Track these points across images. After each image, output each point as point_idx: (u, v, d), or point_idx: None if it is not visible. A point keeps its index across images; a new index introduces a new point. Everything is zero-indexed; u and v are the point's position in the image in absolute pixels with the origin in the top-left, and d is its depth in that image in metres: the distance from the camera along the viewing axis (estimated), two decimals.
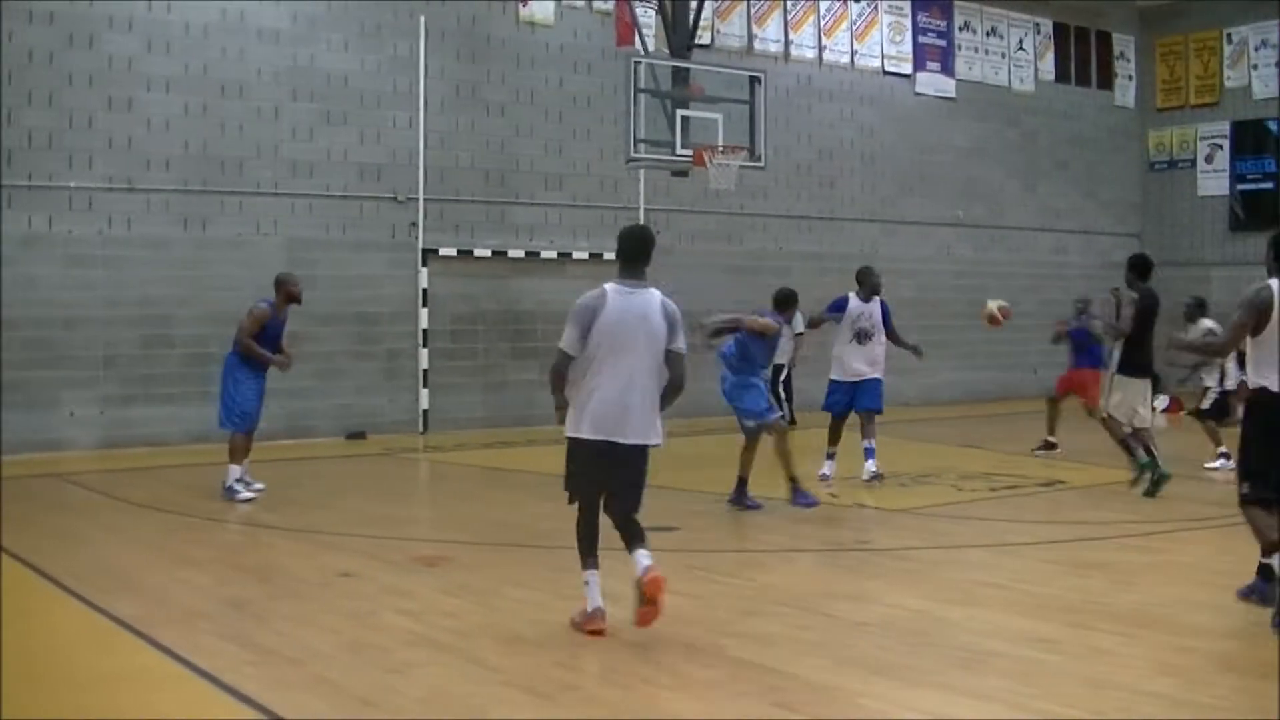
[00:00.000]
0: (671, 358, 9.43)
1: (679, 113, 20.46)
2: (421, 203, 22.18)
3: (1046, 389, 30.20)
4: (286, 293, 15.42)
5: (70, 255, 19.41)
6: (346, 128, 21.57)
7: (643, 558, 9.20)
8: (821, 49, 27.34)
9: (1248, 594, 9.99)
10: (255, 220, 20.77)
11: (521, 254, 23.10)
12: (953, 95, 29.67)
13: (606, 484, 9.51)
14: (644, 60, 21.03)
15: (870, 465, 16.56)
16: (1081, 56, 32.51)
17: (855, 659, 8.45)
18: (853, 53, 27.86)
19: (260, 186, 20.82)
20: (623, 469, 9.43)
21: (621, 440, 9.33)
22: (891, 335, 17.07)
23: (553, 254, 23.40)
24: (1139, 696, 7.67)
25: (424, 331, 22.04)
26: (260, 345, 15.11)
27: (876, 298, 16.98)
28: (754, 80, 21.54)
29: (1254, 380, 9.73)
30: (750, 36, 26.16)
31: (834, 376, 17.13)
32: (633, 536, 9.40)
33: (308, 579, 10.93)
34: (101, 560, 11.80)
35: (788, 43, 26.76)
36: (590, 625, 9.12)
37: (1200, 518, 13.99)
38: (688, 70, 21.16)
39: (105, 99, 19.68)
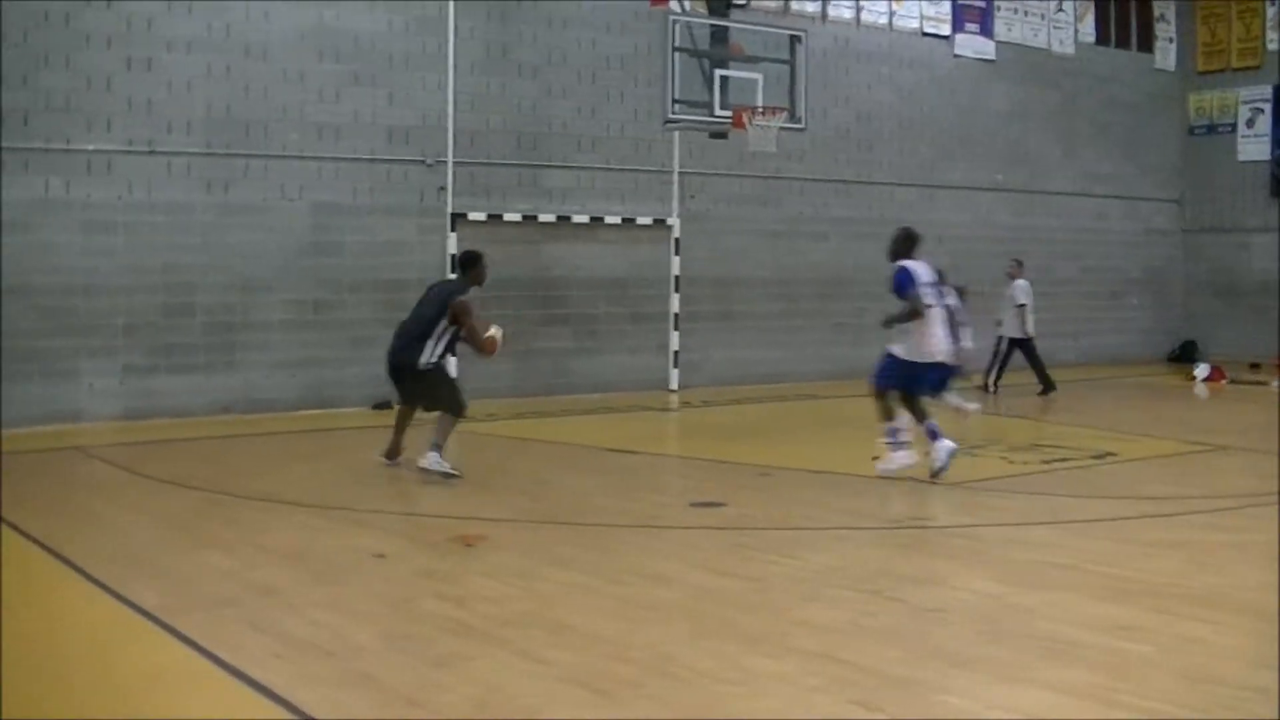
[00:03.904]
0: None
1: (717, 73, 19.99)
2: (451, 166, 21.60)
3: (1087, 356, 30.03)
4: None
5: (88, 221, 18.84)
6: (374, 89, 20.96)
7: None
8: (859, 10, 26.73)
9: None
10: (280, 185, 20.22)
11: (553, 218, 22.54)
12: (992, 57, 29.02)
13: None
14: (681, 19, 20.48)
15: None
16: (1122, 19, 31.85)
17: (932, 650, 7.88)
18: (891, 14, 27.23)
19: (285, 150, 20.23)
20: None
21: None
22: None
23: (585, 219, 22.84)
24: (1243, 692, 7.12)
25: None
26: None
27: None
28: (794, 40, 21.04)
29: None
30: None
31: None
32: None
33: (340, 562, 10.36)
34: (122, 542, 11.25)
35: (825, 3, 26.13)
36: None
37: (1265, 492, 13.42)
38: (725, 29, 20.65)
39: (124, 60, 19.06)
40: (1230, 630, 8.36)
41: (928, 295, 14.23)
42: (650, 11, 22.32)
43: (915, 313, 14.03)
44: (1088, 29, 31.03)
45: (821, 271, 25.44)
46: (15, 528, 11.45)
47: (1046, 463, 15.62)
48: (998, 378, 23.46)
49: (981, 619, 8.68)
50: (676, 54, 19.92)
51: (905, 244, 14.69)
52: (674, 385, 23.65)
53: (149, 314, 19.22)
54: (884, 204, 26.86)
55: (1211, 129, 32.73)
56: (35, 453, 15.99)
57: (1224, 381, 26.26)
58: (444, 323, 14.48)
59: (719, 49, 20.38)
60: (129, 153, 19.06)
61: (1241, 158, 32.07)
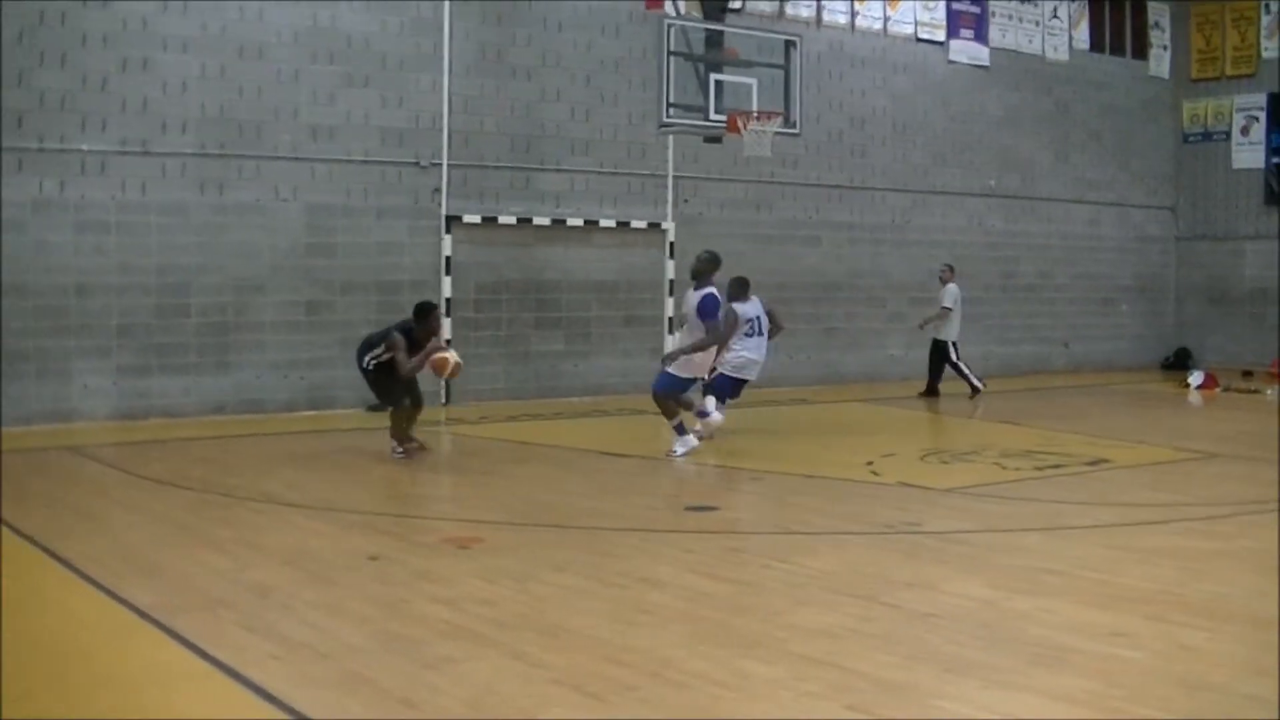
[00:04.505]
0: None
1: (712, 77, 19.97)
2: (445, 168, 21.59)
3: (1079, 362, 30.05)
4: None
5: (83, 221, 18.83)
6: (368, 91, 20.95)
7: None
8: (854, 15, 26.70)
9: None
10: (274, 185, 20.20)
11: (547, 221, 22.54)
12: (986, 63, 29.00)
13: None
14: (676, 22, 20.49)
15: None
16: (1116, 25, 31.81)
17: (926, 655, 7.87)
18: (885, 19, 27.21)
19: (279, 151, 20.22)
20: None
21: None
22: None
23: (579, 222, 22.85)
24: (1236, 699, 7.10)
25: (447, 301, 21.38)
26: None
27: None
28: (789, 44, 21.02)
29: None
30: (782, 1, 25.49)
31: None
32: None
33: (334, 563, 10.35)
34: (118, 541, 11.23)
35: (820, 8, 26.12)
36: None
37: (1259, 500, 13.41)
38: (720, 33, 20.67)
39: (120, 60, 19.05)
40: (1224, 637, 8.34)
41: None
42: (645, 15, 22.33)
43: (711, 343, 16.42)
44: (1082, 35, 31.00)
45: (814, 276, 25.46)
46: (11, 527, 11.44)
47: (1040, 469, 15.57)
48: (974, 379, 23.42)
49: (975, 624, 8.65)
50: (671, 58, 19.91)
51: (711, 266, 16.51)
52: None
53: (143, 314, 19.21)
54: (877, 209, 26.88)
55: (1206, 136, 32.68)
56: (29, 452, 15.97)
57: (1218, 389, 26.24)
58: (380, 349, 15.76)
59: (714, 53, 20.40)
60: (124, 153, 19.05)
61: (1236, 165, 31.99)
